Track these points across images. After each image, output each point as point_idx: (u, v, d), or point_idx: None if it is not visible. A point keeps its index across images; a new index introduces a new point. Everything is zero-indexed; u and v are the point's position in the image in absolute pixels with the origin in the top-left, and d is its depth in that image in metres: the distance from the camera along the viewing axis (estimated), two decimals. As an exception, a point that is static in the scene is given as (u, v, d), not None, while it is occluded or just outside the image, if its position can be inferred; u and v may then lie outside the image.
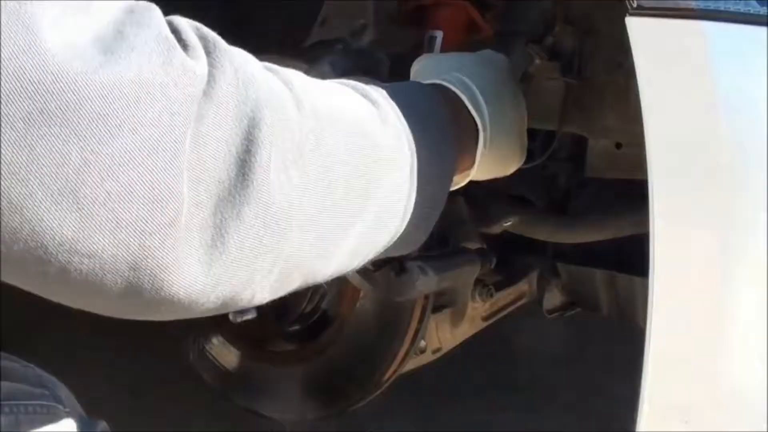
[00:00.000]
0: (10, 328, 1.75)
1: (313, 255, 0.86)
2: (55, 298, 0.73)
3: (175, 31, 0.76)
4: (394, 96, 0.97)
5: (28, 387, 0.97)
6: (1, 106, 0.57)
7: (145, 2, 0.72)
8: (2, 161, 0.58)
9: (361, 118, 0.90)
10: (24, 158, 0.59)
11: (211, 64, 0.76)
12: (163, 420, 2.38)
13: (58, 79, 0.59)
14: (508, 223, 1.90)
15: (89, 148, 0.61)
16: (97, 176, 0.62)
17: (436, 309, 1.83)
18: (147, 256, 0.66)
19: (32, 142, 0.59)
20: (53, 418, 0.96)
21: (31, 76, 0.58)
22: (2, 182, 0.58)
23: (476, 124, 1.17)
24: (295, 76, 0.89)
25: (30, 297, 0.75)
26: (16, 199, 0.60)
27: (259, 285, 0.81)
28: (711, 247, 1.15)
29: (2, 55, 0.56)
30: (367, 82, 0.97)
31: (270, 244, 0.76)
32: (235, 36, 2.17)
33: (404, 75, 1.72)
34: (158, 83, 0.65)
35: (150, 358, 2.59)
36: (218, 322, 1.60)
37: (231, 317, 1.43)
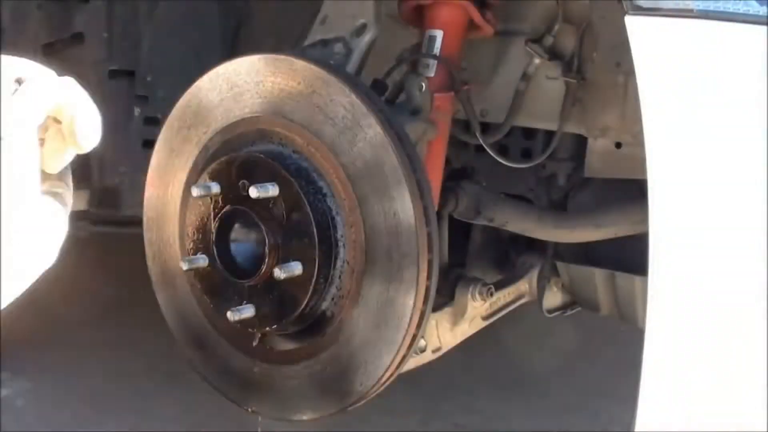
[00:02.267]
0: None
1: None
2: None
3: None
4: None
5: None
6: None
7: None
8: None
9: None
10: None
11: None
12: (165, 416, 2.38)
13: None
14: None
15: None
16: None
17: (436, 308, 1.84)
18: None
19: None
20: None
21: None
22: None
23: None
24: None
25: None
26: None
27: None
28: (710, 246, 1.15)
29: None
30: None
31: None
32: (234, 35, 2.18)
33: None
34: None
35: (152, 356, 2.59)
36: (215, 321, 1.60)
37: (229, 315, 1.43)
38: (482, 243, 2.17)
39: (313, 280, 1.41)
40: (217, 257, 1.49)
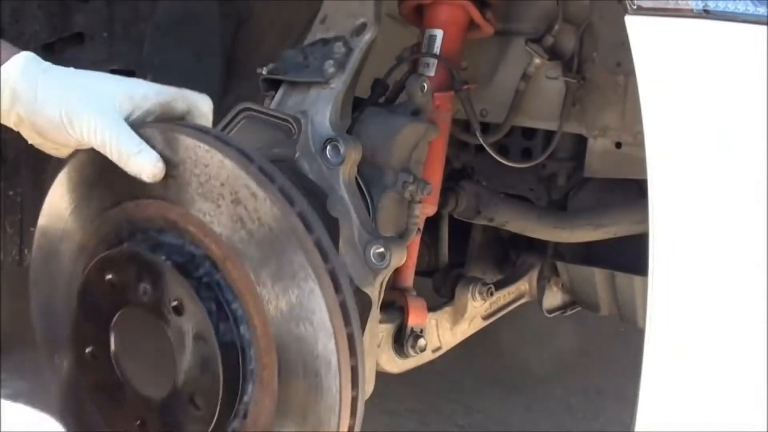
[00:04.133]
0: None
1: None
2: None
3: None
4: None
5: None
6: None
7: None
8: None
9: None
10: None
11: None
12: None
13: None
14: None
15: None
16: None
17: (436, 308, 1.84)
18: None
19: None
20: None
21: None
22: None
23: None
24: None
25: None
26: None
27: None
28: (710, 246, 1.15)
29: None
30: None
31: None
32: (234, 35, 2.18)
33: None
34: None
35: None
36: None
37: None
38: (482, 243, 2.17)
39: (214, 419, 1.18)
40: (114, 362, 1.25)
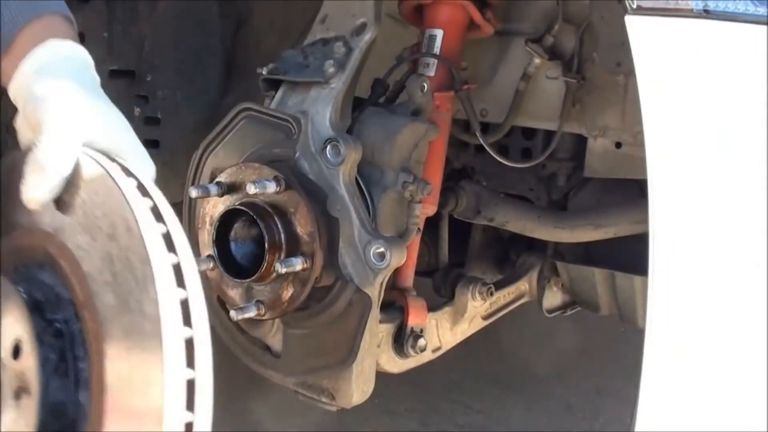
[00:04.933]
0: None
1: None
2: None
3: None
4: None
5: None
6: None
7: None
8: None
9: None
10: None
11: None
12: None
13: None
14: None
15: None
16: None
17: (436, 308, 1.84)
18: None
19: None
20: None
21: None
22: None
23: None
24: None
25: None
26: None
27: None
28: (710, 246, 1.15)
29: None
30: None
31: None
32: (234, 35, 2.18)
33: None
34: None
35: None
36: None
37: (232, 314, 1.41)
38: (482, 243, 2.17)
39: None
40: None
